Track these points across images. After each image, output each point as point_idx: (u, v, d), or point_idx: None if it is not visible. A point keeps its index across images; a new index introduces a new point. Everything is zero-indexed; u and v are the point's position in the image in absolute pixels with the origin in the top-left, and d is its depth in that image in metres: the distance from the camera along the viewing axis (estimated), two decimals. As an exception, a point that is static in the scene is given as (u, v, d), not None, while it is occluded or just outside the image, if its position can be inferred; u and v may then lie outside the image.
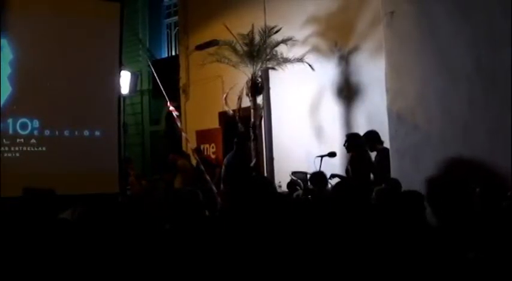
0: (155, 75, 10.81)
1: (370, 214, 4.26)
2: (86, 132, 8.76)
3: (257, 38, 9.56)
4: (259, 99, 9.77)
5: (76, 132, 8.68)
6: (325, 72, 9.64)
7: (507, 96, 5.52)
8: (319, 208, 4.68)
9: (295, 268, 3.57)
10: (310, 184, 7.21)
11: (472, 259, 3.78)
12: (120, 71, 9.55)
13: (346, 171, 7.70)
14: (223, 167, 8.83)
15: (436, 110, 6.13)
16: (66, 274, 3.79)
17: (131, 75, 12.84)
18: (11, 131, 8.18)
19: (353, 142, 7.67)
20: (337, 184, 4.88)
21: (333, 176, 7.41)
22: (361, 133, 7.92)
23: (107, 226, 4.37)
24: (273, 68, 9.75)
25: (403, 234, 3.99)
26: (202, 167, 9.72)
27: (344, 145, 7.76)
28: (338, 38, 9.64)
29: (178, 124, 10.55)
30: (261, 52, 9.55)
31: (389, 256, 3.68)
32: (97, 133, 8.87)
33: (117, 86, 9.42)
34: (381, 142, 7.39)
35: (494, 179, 5.40)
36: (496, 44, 5.66)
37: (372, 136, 7.53)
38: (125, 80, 12.09)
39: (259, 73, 9.64)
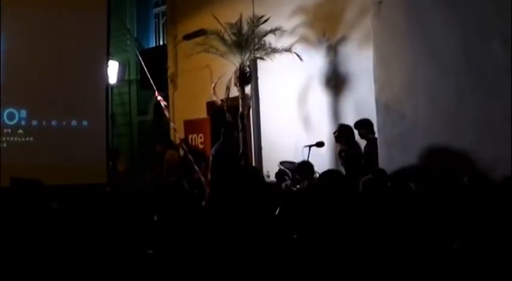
0: (143, 65, 10.74)
1: (357, 203, 4.28)
2: (74, 123, 8.72)
3: (245, 27, 9.51)
4: (248, 89, 9.75)
5: (63, 123, 8.65)
6: (313, 63, 9.62)
7: (494, 86, 5.55)
8: (307, 198, 4.69)
9: (282, 258, 3.58)
10: (297, 175, 7.22)
11: (457, 249, 3.80)
12: (107, 61, 9.50)
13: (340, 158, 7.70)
14: (211, 157, 8.82)
15: (423, 100, 6.15)
16: (52, 265, 3.78)
17: (119, 65, 12.74)
18: (-3, 121, 8.14)
19: (344, 132, 7.69)
20: (322, 174, 4.87)
21: None
22: (350, 123, 7.95)
23: (92, 217, 4.36)
24: (261, 58, 9.72)
25: (390, 223, 4.02)
26: (190, 157, 9.70)
27: (334, 133, 7.76)
28: (326, 28, 9.62)
29: (166, 114, 10.50)
30: (249, 42, 9.51)
31: (376, 245, 3.70)
32: (85, 123, 8.84)
33: (105, 76, 9.37)
34: (373, 132, 7.43)
35: (480, 168, 5.44)
36: (484, 35, 5.68)
37: (367, 124, 7.56)
38: (113, 70, 12.00)
39: (248, 63, 9.60)
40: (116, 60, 12.72)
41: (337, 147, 7.97)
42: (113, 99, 12.43)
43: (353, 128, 7.73)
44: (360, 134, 7.71)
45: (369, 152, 7.40)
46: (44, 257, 3.79)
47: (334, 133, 7.76)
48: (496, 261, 3.61)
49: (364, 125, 7.63)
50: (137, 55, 12.13)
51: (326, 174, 4.67)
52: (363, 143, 7.72)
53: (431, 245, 3.79)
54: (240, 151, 9.15)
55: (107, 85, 9.48)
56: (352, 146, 7.59)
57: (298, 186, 6.82)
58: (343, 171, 7.49)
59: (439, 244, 3.85)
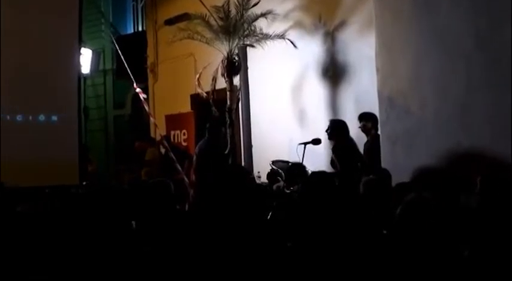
0: (120, 53, 10.72)
1: (357, 206, 4.28)
2: (42, 117, 8.68)
3: (233, 11, 9.50)
4: (236, 80, 9.73)
5: (30, 117, 8.60)
6: (309, 50, 9.63)
7: (508, 77, 5.55)
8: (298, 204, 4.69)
9: (273, 266, 3.58)
10: (289, 178, 7.23)
11: (467, 257, 3.81)
12: (80, 49, 9.47)
13: (332, 162, 7.74)
14: (195, 155, 8.82)
15: (430, 92, 6.16)
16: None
17: (92, 53, 12.72)
18: (-45, 116, 8.09)
19: (337, 129, 7.71)
20: (310, 177, 4.87)
21: None
22: (349, 118, 7.97)
23: (66, 221, 4.35)
24: (251, 46, 9.71)
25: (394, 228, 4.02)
26: (172, 156, 9.70)
27: (326, 131, 7.78)
28: (323, 12, 9.62)
29: (146, 108, 10.49)
30: (237, 27, 9.50)
31: (379, 249, 3.71)
32: (54, 118, 8.80)
33: (77, 66, 9.34)
34: (377, 129, 7.46)
35: (493, 168, 5.45)
36: (497, 20, 5.68)
37: (374, 118, 7.58)
38: (86, 59, 12.00)
39: (236, 51, 9.60)
40: (89, 47, 12.71)
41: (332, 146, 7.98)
42: (85, 92, 12.42)
43: (346, 123, 7.78)
44: (364, 127, 7.74)
45: (370, 149, 7.42)
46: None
47: (326, 131, 7.77)
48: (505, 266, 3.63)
49: (371, 118, 7.66)
50: (113, 42, 12.09)
51: (314, 177, 4.67)
52: (359, 141, 7.75)
53: (440, 252, 3.80)
54: (228, 148, 9.15)
55: (79, 75, 9.44)
56: (346, 140, 7.61)
57: (291, 188, 6.82)
58: (334, 169, 7.53)
59: (448, 251, 3.85)
